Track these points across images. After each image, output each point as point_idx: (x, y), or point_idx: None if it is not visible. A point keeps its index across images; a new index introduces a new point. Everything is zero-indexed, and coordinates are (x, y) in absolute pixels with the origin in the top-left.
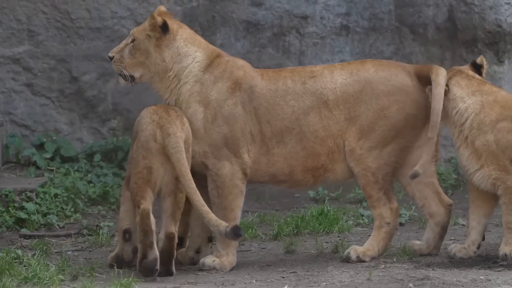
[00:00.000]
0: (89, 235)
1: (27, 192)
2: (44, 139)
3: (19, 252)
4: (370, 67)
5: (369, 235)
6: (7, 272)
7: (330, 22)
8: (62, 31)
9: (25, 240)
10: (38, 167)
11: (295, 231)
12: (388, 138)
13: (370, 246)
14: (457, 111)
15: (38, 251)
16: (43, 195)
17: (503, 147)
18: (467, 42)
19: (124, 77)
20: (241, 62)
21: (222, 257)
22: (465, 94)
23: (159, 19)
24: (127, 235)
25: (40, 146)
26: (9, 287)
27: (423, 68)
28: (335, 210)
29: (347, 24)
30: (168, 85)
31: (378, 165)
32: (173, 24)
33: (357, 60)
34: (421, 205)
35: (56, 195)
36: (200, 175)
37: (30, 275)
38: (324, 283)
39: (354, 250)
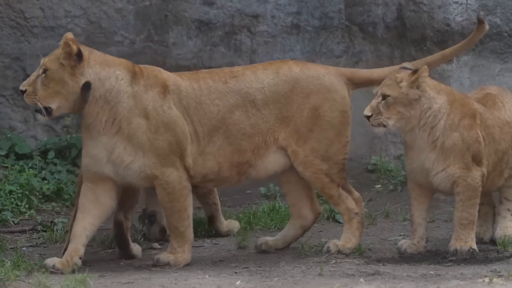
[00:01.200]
0: (44, 231)
1: None
2: None
3: None
4: (294, 66)
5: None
6: None
7: (281, 21)
8: (16, 29)
9: None
10: None
11: (247, 227)
12: (330, 138)
13: (347, 239)
14: (432, 112)
15: None
16: None
17: (468, 144)
18: (416, 41)
19: (41, 111)
20: (155, 67)
21: (177, 253)
22: (435, 94)
23: (74, 47)
24: (152, 218)
25: None
26: None
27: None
28: (286, 206)
29: (298, 23)
30: (92, 109)
31: (328, 165)
32: (84, 50)
33: (277, 61)
34: (292, 204)
35: (10, 192)
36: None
37: None
38: (276, 278)
39: (334, 244)
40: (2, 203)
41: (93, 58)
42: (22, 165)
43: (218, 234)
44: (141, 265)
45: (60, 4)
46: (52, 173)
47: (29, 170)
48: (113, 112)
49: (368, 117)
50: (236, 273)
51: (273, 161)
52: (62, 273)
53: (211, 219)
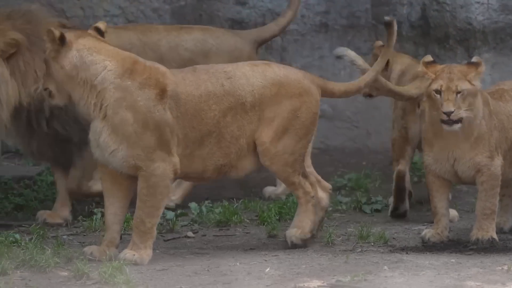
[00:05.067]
0: (84, 220)
1: (26, 180)
2: None
3: (17, 236)
4: (278, 70)
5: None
6: (6, 255)
7: (310, 20)
8: None
9: (23, 225)
10: None
11: (277, 217)
12: (300, 135)
13: (305, 224)
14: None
15: (35, 235)
16: (40, 183)
17: (491, 131)
18: (439, 39)
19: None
20: (163, 68)
21: (140, 250)
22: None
23: (56, 33)
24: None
25: None
26: (7, 269)
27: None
28: None
29: (326, 22)
30: (83, 91)
31: (294, 158)
32: (70, 35)
33: (259, 62)
34: None
35: (52, 183)
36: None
37: (27, 257)
38: (304, 266)
39: (296, 238)
40: (44, 194)
41: (82, 43)
42: None
43: None
44: (175, 252)
45: (100, 4)
46: None
47: None
48: (100, 97)
49: (451, 113)
50: (266, 260)
51: (252, 161)
52: (99, 261)
53: None
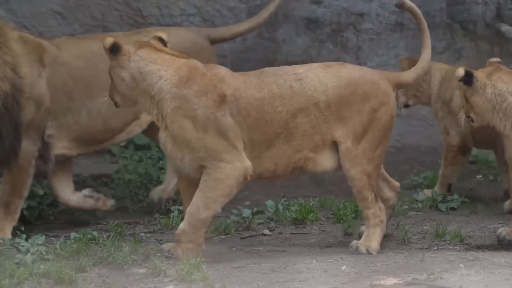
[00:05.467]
0: (161, 218)
1: (103, 178)
2: None
3: (95, 233)
4: (353, 71)
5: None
6: (84, 252)
7: (385, 19)
8: (135, 27)
9: (101, 223)
10: (113, 155)
11: (353, 215)
12: (380, 139)
13: (373, 242)
14: (508, 104)
15: (113, 233)
16: (118, 181)
17: None
18: None
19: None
20: (222, 72)
21: (192, 241)
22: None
23: (107, 42)
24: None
25: None
26: (86, 266)
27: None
28: None
29: (402, 21)
30: (145, 101)
31: (371, 167)
32: (127, 46)
33: (333, 63)
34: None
35: (129, 181)
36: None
37: (105, 255)
38: (380, 264)
39: (362, 245)
40: (122, 192)
41: (139, 54)
42: (140, 156)
43: None
44: (251, 250)
45: (176, 3)
46: None
47: (147, 160)
48: (159, 107)
49: None
50: (342, 258)
51: (330, 157)
52: (177, 258)
53: None
